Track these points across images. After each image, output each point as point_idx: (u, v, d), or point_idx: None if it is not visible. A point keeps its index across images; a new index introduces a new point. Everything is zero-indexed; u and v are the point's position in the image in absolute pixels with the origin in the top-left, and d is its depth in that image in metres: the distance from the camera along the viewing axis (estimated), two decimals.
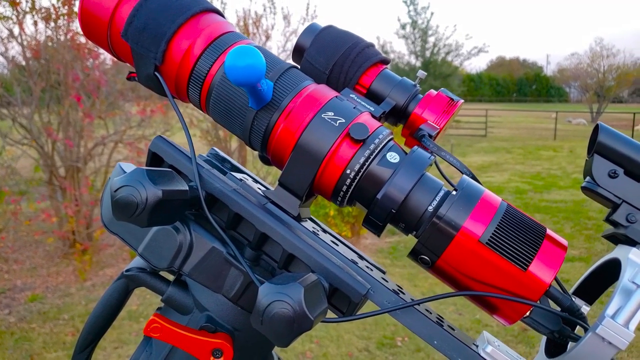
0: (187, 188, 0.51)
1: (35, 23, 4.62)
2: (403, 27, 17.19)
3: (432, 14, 21.30)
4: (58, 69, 4.60)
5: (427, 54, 17.05)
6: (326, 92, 0.58)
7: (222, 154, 0.68)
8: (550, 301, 0.53)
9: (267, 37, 5.49)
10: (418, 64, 16.87)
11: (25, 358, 3.19)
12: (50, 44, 4.71)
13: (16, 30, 4.60)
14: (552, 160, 11.57)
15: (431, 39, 17.17)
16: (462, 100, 0.65)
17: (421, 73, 0.66)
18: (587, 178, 0.56)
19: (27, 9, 4.52)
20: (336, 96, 0.57)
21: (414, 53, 17.19)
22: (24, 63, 4.82)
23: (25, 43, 4.66)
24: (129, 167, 0.57)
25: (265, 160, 0.62)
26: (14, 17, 4.51)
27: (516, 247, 0.51)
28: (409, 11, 16.91)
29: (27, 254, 5.15)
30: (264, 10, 8.30)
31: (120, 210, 0.46)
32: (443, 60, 17.39)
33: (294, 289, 0.43)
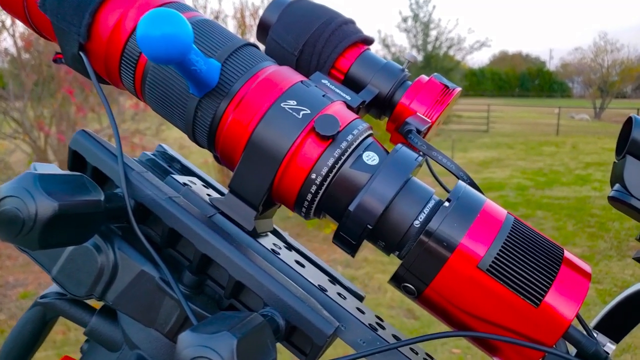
0: (101, 198, 0.40)
1: None
2: (404, 20, 17.04)
3: (434, 7, 21.08)
4: (50, 61, 4.50)
5: (429, 47, 16.89)
6: (288, 76, 0.46)
7: (171, 151, 0.57)
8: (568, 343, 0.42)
9: None
10: (420, 57, 16.72)
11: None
12: None
13: (8, 22, 4.50)
14: (554, 156, 11.43)
15: (433, 33, 17.01)
16: (460, 88, 0.53)
17: (410, 55, 0.55)
18: (617, 186, 0.44)
19: None
20: (301, 81, 0.46)
21: (415, 47, 17.02)
22: (16, 55, 4.73)
23: (17, 34, 4.57)
24: (46, 168, 0.46)
25: (219, 160, 0.51)
26: None
27: (526, 274, 0.39)
28: (411, 4, 16.74)
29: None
30: (262, 1, 8.19)
31: (1, 229, 0.35)
32: (445, 55, 17.23)
33: (224, 341, 0.31)
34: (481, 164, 10.31)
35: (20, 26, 4.58)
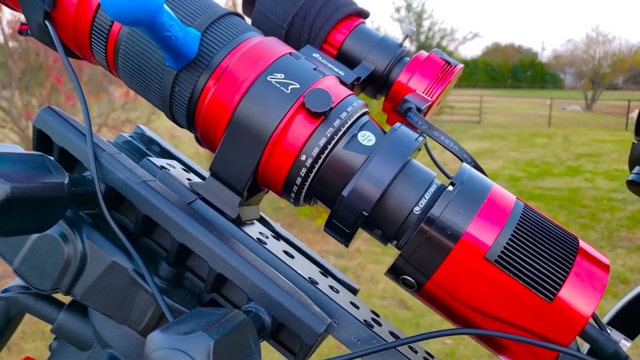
0: (65, 180, 0.36)
1: None
2: (397, 10, 17.00)
3: None
4: (38, 49, 4.42)
5: (422, 38, 16.85)
6: (276, 47, 0.42)
7: (150, 133, 0.53)
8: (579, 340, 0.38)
9: None
10: (413, 48, 16.68)
11: (2, 349, 3.04)
12: None
13: None
14: (546, 147, 11.46)
15: (426, 23, 16.97)
16: (462, 65, 0.49)
17: (409, 29, 0.51)
18: (637, 168, 0.40)
19: None
20: (290, 53, 0.42)
21: (408, 37, 17.00)
22: (2, 43, 4.65)
23: (4, 22, 4.48)
24: (7, 148, 0.42)
25: (200, 141, 0.47)
26: None
27: (538, 266, 0.36)
28: None
29: None
30: None
31: None
32: (438, 45, 17.21)
33: (198, 343, 0.27)
34: (474, 154, 10.24)
35: (7, 13, 4.49)
